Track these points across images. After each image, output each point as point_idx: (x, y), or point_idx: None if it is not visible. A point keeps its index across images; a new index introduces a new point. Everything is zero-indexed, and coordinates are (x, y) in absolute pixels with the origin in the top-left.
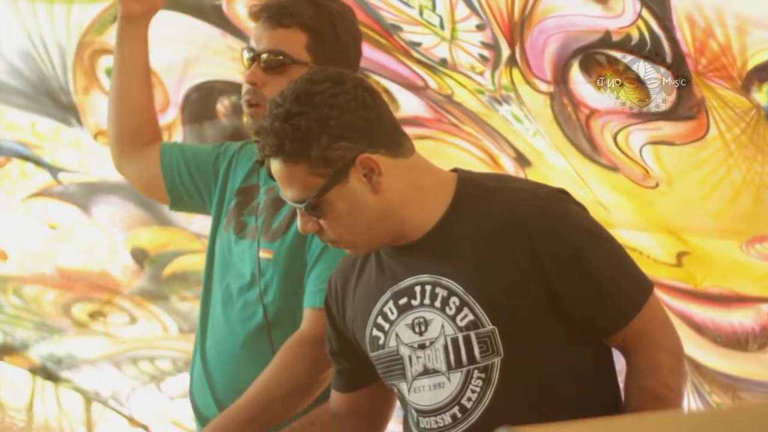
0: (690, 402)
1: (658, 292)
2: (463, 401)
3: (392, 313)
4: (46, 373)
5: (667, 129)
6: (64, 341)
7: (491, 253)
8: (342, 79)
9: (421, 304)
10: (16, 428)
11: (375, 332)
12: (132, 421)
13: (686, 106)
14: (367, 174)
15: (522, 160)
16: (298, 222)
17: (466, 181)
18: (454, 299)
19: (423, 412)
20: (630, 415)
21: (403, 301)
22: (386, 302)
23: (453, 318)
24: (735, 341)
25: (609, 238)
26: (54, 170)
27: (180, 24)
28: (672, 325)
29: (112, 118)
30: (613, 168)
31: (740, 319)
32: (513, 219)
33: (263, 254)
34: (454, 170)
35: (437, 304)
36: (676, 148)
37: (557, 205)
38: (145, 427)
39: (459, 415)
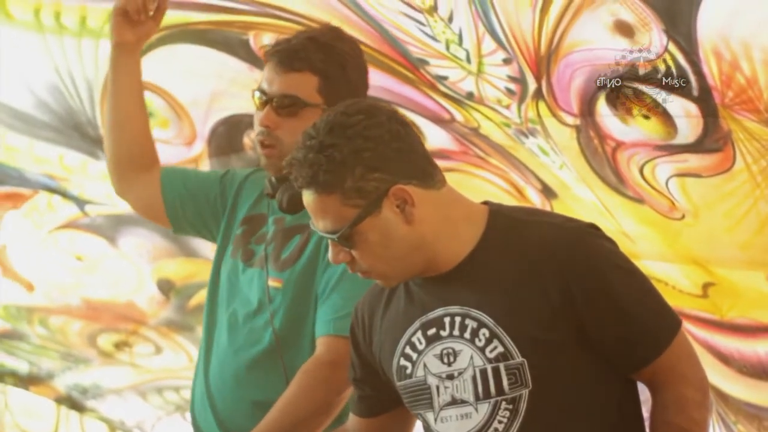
0: None
1: (684, 323)
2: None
3: (420, 343)
4: (72, 402)
5: (693, 161)
6: (89, 371)
7: (522, 286)
8: (375, 111)
9: (450, 335)
10: None
11: (402, 362)
12: None
13: (713, 139)
14: (400, 205)
15: (548, 192)
16: (330, 253)
17: (497, 214)
18: (483, 331)
19: None
20: None
21: (431, 331)
22: (415, 332)
23: (482, 349)
24: (761, 371)
25: (639, 273)
26: (81, 203)
27: (208, 58)
28: (698, 359)
29: (110, 144)
30: (640, 200)
31: (766, 349)
32: (544, 253)
33: (272, 283)
34: (485, 203)
35: (467, 335)
36: (703, 180)
37: (588, 240)
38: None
39: None
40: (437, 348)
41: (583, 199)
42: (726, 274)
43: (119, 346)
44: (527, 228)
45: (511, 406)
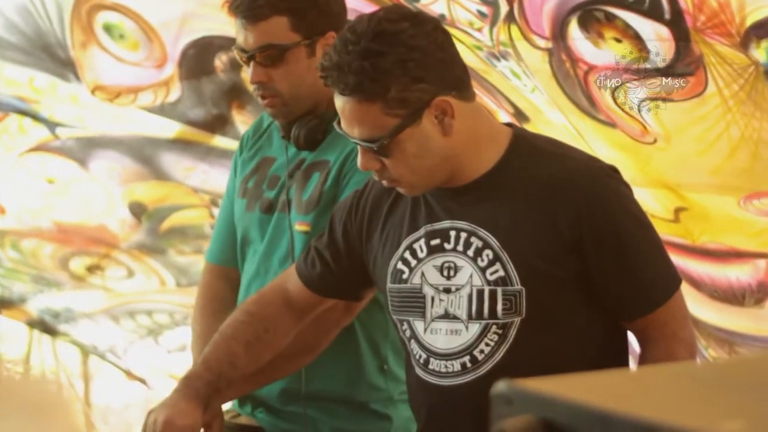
0: None
1: None
2: (475, 352)
3: (422, 251)
4: (44, 326)
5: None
6: (61, 295)
7: (534, 215)
8: (420, 19)
9: (454, 250)
10: (13, 380)
11: (400, 265)
12: (129, 374)
13: (684, 63)
14: (439, 116)
15: (520, 116)
16: (360, 159)
17: (520, 138)
18: (487, 252)
19: (435, 354)
20: (624, 369)
21: (435, 242)
22: (418, 239)
23: (483, 270)
24: (732, 296)
25: (651, 227)
26: (51, 125)
27: None
28: (690, 320)
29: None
30: (611, 124)
31: (737, 274)
32: (562, 187)
33: (299, 227)
34: (509, 125)
35: (470, 253)
36: (675, 105)
37: (607, 182)
38: (142, 381)
39: (469, 364)
40: (438, 259)
41: (554, 122)
42: (697, 198)
43: (91, 269)
44: (548, 159)
45: (500, 331)
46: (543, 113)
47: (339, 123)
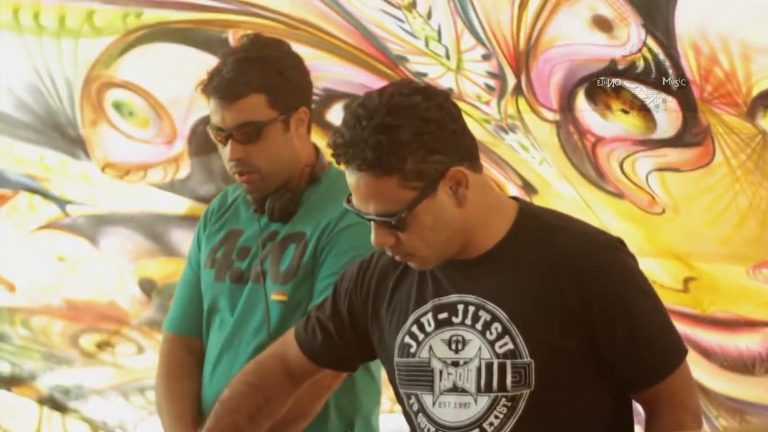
0: None
1: None
2: (485, 425)
3: (429, 325)
4: (54, 403)
5: (673, 156)
6: (72, 372)
7: (541, 288)
8: (431, 92)
9: (462, 323)
10: None
11: (407, 339)
12: None
13: (692, 133)
14: (453, 187)
15: (529, 188)
16: (375, 236)
17: (526, 211)
18: (496, 325)
19: (444, 428)
20: None
21: (443, 315)
22: (425, 313)
23: (492, 343)
24: (742, 365)
25: (656, 296)
26: (62, 203)
27: (187, 57)
28: (696, 389)
29: None
30: (620, 195)
31: (747, 343)
32: (569, 260)
33: (276, 296)
34: (515, 198)
35: (478, 326)
36: (683, 175)
37: (615, 255)
38: None
39: None
40: (446, 333)
41: (563, 194)
42: (707, 268)
43: (101, 346)
44: (555, 232)
45: (510, 404)
46: (551, 185)
47: (349, 200)
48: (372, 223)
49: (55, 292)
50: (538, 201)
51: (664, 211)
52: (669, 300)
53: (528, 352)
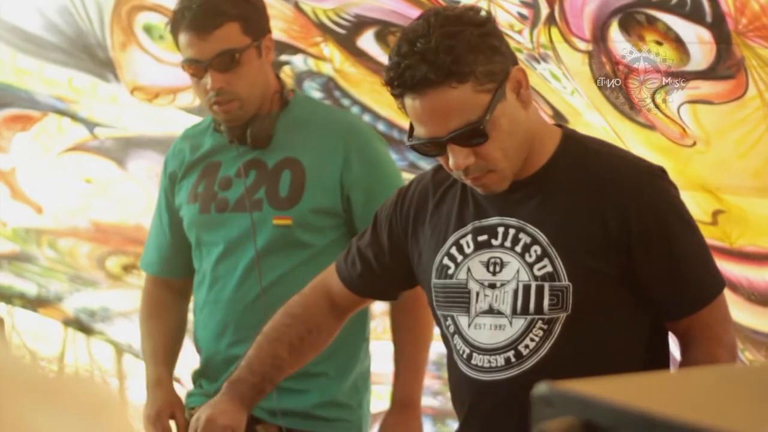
0: None
1: None
2: (520, 347)
3: (468, 246)
4: (79, 325)
5: (705, 88)
6: (98, 294)
7: (582, 212)
8: (468, 6)
9: (501, 246)
10: (48, 377)
11: (446, 261)
12: None
13: (725, 66)
14: (515, 87)
15: (559, 117)
16: (454, 158)
17: (570, 137)
18: (536, 248)
19: (478, 349)
20: (666, 372)
21: (482, 238)
22: (465, 235)
23: (531, 266)
24: None
25: (696, 228)
26: (90, 125)
27: None
28: (732, 323)
29: None
30: (651, 126)
31: None
32: (611, 185)
33: (279, 221)
34: (558, 125)
35: (518, 249)
36: (715, 107)
37: (657, 183)
38: (177, 379)
39: (513, 359)
40: (485, 255)
41: (594, 125)
42: (736, 201)
43: (128, 268)
44: (598, 157)
45: (545, 327)
46: (582, 115)
47: (410, 135)
48: (449, 146)
49: (82, 215)
50: None
51: (695, 144)
52: None
53: (566, 275)
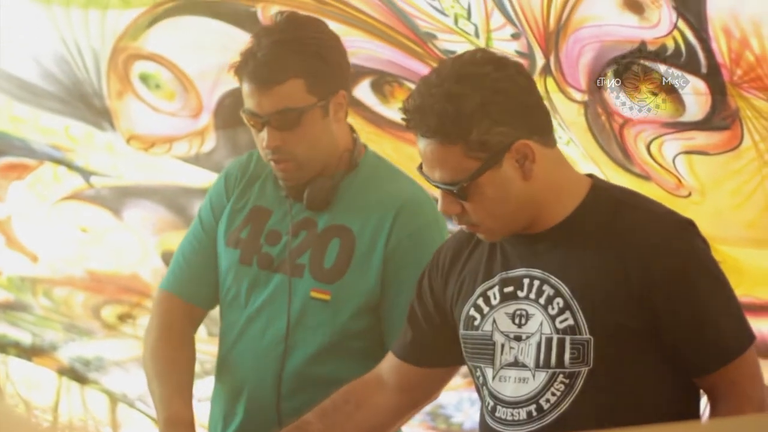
0: None
1: None
2: (542, 401)
3: (495, 298)
4: (74, 374)
5: (700, 139)
6: (92, 343)
7: (606, 265)
8: (504, 63)
9: (527, 298)
10: (41, 428)
11: (472, 312)
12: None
13: (720, 116)
14: (520, 160)
15: None
16: (441, 203)
17: (599, 188)
18: (558, 300)
19: (502, 402)
20: (689, 423)
21: (509, 289)
22: (492, 286)
23: (553, 318)
24: (765, 351)
25: (725, 280)
26: (86, 174)
27: (215, 30)
28: (763, 381)
29: None
30: (646, 177)
31: None
32: (637, 239)
33: (317, 294)
34: (589, 175)
35: (542, 301)
36: (710, 158)
37: (684, 237)
38: None
39: (534, 413)
40: (511, 307)
41: None
42: (731, 252)
43: (123, 318)
44: (626, 209)
45: (567, 381)
46: (577, 165)
47: (420, 167)
48: (440, 190)
49: (77, 264)
50: None
51: (690, 194)
52: None
53: (588, 329)
